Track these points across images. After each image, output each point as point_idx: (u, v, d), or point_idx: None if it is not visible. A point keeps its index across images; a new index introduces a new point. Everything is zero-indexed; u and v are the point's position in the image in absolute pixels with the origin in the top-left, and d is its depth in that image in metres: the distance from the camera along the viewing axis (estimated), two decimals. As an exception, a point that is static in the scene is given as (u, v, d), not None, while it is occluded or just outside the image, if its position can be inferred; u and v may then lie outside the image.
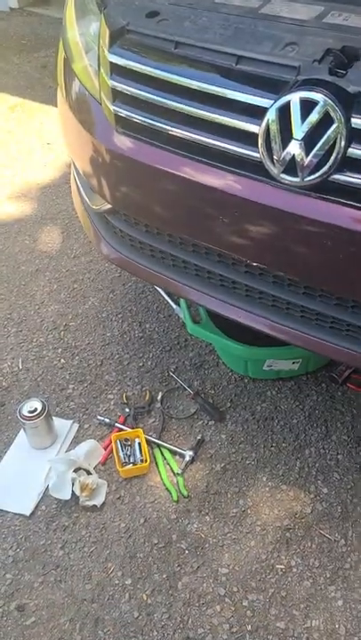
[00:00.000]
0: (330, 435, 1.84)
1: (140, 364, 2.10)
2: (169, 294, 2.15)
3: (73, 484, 1.69)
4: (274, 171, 1.14)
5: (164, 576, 1.55)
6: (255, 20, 1.23)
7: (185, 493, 1.72)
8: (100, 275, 2.48)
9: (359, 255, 1.15)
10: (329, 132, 1.06)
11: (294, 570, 1.54)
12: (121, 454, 1.79)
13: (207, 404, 1.94)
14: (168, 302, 2.16)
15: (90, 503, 1.68)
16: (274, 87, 1.12)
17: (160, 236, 1.54)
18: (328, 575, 1.53)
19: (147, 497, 1.72)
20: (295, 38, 1.15)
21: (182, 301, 1.96)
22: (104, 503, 1.69)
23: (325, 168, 1.09)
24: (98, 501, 1.68)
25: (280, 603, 1.49)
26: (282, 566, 1.55)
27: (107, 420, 1.89)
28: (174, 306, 2.07)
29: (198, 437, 1.85)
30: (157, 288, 2.18)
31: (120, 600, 1.50)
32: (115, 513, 1.68)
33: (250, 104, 1.15)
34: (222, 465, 1.78)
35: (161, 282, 1.67)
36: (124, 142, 1.37)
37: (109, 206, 1.59)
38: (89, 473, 1.73)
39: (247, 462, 1.79)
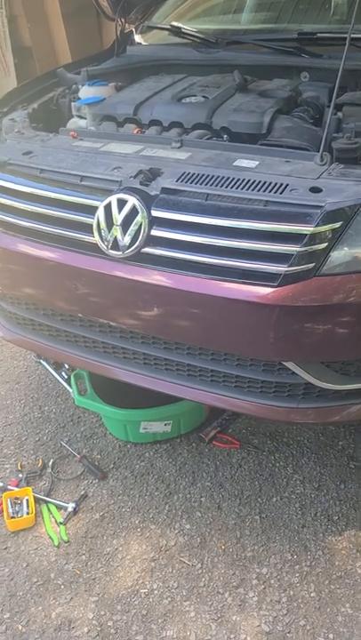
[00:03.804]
0: (196, 483, 2.12)
1: (37, 439, 2.37)
2: (60, 374, 2.49)
3: None
4: (104, 248, 1.60)
5: (40, 608, 1.72)
6: (96, 154, 1.78)
7: (65, 539, 1.92)
8: (7, 371, 2.80)
9: (171, 303, 1.59)
10: (136, 219, 1.55)
11: (155, 592, 1.75)
12: (10, 510, 2.00)
13: (92, 465, 2.20)
14: (59, 381, 2.49)
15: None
16: (105, 194, 1.63)
17: (38, 311, 1.95)
18: (184, 593, 1.74)
19: (31, 545, 1.91)
20: (120, 164, 1.69)
21: (72, 377, 2.31)
22: (-10, 553, 1.88)
23: (137, 244, 1.56)
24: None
25: (141, 620, 1.67)
26: (145, 590, 1.75)
27: (0, 484, 2.12)
28: (63, 383, 2.41)
29: (82, 493, 2.09)
30: (49, 369, 2.52)
31: (-3, 633, 1.65)
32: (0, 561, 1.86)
33: (89, 205, 1.64)
34: (101, 514, 2.02)
35: (49, 353, 2.04)
36: (2, 238, 1.83)
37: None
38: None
39: (123, 510, 2.03)
